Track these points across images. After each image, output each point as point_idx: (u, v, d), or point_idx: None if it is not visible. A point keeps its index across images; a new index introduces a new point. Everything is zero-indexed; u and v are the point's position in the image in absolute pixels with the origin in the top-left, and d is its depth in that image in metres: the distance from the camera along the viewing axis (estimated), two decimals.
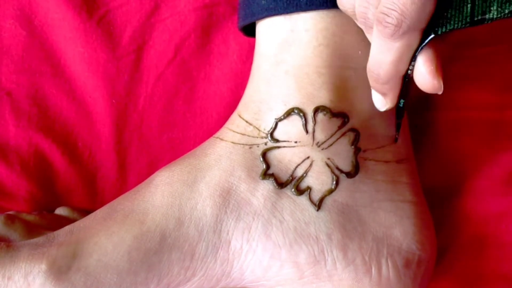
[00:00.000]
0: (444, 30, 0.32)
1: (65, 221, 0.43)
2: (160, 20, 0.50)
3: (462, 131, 0.47)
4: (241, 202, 0.39)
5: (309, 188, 0.39)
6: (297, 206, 0.39)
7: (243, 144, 0.41)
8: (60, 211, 0.48)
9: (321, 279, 0.40)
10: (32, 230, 0.43)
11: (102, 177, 0.50)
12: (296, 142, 0.40)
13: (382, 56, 0.35)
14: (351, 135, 0.40)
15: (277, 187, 0.39)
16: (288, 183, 0.40)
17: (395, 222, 0.40)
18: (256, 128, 0.41)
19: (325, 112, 0.39)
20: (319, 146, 0.40)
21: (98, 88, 0.49)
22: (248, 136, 0.41)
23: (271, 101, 0.40)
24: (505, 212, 0.46)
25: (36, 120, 0.49)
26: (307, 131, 0.40)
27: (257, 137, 0.41)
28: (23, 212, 0.47)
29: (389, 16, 0.32)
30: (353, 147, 0.40)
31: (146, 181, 0.42)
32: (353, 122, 0.40)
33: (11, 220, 0.43)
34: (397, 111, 0.40)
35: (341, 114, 0.40)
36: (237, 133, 0.41)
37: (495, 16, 0.31)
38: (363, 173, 0.40)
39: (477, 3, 0.31)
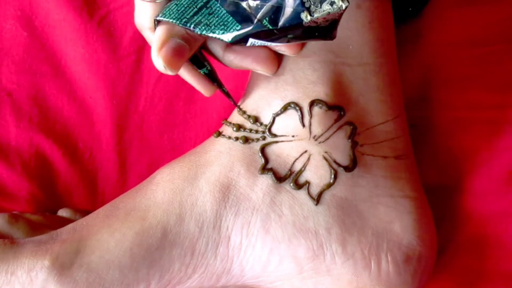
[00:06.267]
0: (160, 17, 0.38)
1: (67, 222, 0.43)
2: None
3: (462, 130, 0.47)
4: (240, 197, 0.39)
5: (307, 183, 0.40)
6: (296, 201, 0.40)
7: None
8: (62, 212, 0.49)
9: (320, 274, 0.40)
10: (35, 229, 0.44)
11: (103, 178, 0.51)
12: (293, 136, 0.40)
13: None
14: (347, 129, 0.40)
15: (276, 181, 0.39)
16: (287, 177, 0.40)
17: (395, 217, 0.40)
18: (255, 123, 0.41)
19: (320, 105, 0.40)
20: (316, 140, 0.40)
21: (98, 89, 0.50)
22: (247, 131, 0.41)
23: (269, 97, 0.41)
24: (505, 211, 0.46)
25: (37, 121, 0.49)
26: (303, 125, 0.40)
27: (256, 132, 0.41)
28: (27, 212, 0.47)
29: None
30: (350, 140, 0.40)
31: (148, 179, 0.42)
32: (349, 116, 0.40)
33: (15, 219, 0.44)
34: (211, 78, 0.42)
35: (337, 107, 0.40)
36: None
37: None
38: (362, 167, 0.40)
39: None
